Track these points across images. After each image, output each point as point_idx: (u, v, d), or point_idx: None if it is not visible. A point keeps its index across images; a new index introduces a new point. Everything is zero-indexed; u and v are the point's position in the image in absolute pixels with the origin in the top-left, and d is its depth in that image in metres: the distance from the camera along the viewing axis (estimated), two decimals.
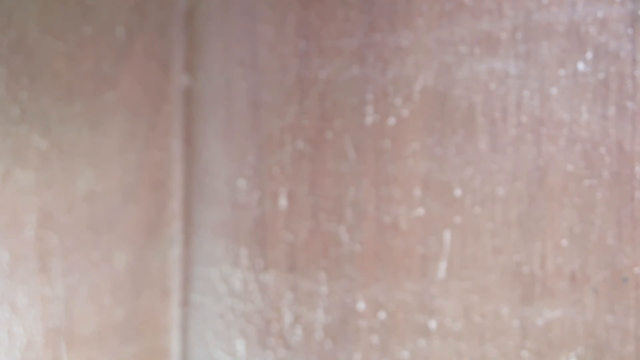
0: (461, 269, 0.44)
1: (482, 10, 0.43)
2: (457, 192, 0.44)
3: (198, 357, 0.55)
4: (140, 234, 0.54)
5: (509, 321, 0.42)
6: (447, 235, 0.44)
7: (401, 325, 0.46)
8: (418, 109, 0.45)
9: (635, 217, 0.39)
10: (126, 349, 0.53)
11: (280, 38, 0.51)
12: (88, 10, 0.50)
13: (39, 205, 0.48)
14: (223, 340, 0.53)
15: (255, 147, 0.52)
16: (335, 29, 0.48)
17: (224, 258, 0.53)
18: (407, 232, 0.46)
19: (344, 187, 0.48)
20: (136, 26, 0.53)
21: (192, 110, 0.55)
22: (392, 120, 0.46)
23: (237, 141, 0.52)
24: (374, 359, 0.47)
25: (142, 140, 0.53)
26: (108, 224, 0.52)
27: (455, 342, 0.44)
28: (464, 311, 0.44)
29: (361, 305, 0.47)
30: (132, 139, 0.53)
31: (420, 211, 0.45)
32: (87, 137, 0.50)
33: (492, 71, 0.43)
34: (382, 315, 0.46)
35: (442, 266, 0.44)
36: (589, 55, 0.40)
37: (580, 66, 0.40)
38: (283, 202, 0.50)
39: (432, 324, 0.45)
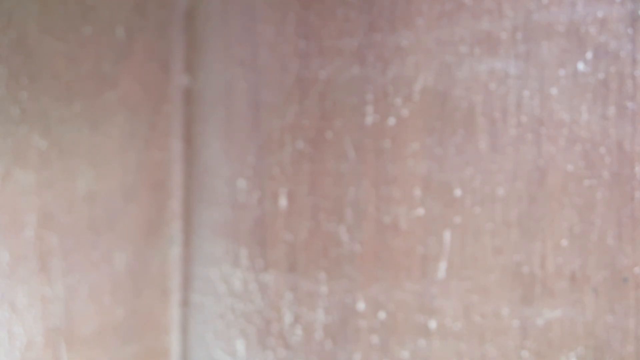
0: (461, 269, 0.44)
1: (482, 10, 0.43)
2: (457, 192, 0.44)
3: (198, 357, 0.55)
4: (140, 234, 0.54)
5: (509, 321, 0.42)
6: (447, 235, 0.44)
7: (401, 325, 0.46)
8: (418, 109, 0.45)
9: (635, 217, 0.39)
10: (126, 349, 0.53)
11: (280, 38, 0.51)
12: (88, 10, 0.50)
13: (39, 205, 0.48)
14: (223, 340, 0.53)
15: (255, 147, 0.52)
16: (335, 29, 0.48)
17: (224, 258, 0.53)
18: (407, 232, 0.46)
19: (344, 187, 0.48)
20: (136, 26, 0.53)
21: (192, 110, 0.55)
22: (392, 120, 0.46)
23: (237, 141, 0.52)
24: (374, 359, 0.47)
25: (142, 140, 0.53)
26: (108, 224, 0.52)
27: (455, 342, 0.44)
28: (464, 311, 0.44)
29: (361, 305, 0.47)
30: (132, 139, 0.53)
31: (420, 211, 0.45)
32: (87, 137, 0.50)
33: (492, 71, 0.43)
34: (382, 315, 0.46)
35: (442, 266, 0.44)
36: (589, 55, 0.40)
37: (580, 66, 0.40)
38: (283, 202, 0.50)
39: (432, 324, 0.45)
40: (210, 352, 0.54)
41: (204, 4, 0.55)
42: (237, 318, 0.53)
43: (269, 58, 0.51)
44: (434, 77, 0.45)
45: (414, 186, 0.45)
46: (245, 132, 0.52)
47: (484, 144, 0.43)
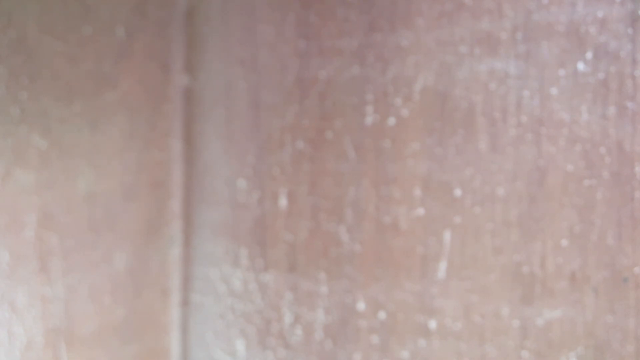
0: (461, 269, 0.44)
1: (482, 10, 0.43)
2: (457, 192, 0.44)
3: (198, 357, 0.55)
4: (140, 234, 0.54)
5: (509, 321, 0.42)
6: (447, 235, 0.44)
7: (401, 325, 0.46)
8: (418, 109, 0.45)
9: (635, 217, 0.39)
10: (126, 349, 0.53)
11: (280, 38, 0.51)
12: (88, 10, 0.50)
13: (39, 205, 0.48)
14: (223, 340, 0.53)
15: (255, 147, 0.52)
16: (335, 29, 0.48)
17: (224, 258, 0.53)
18: (407, 232, 0.46)
19: (344, 187, 0.48)
20: (136, 26, 0.53)
21: (192, 110, 0.55)
22: (392, 120, 0.46)
23: (237, 141, 0.52)
24: (374, 359, 0.47)
25: (142, 140, 0.53)
26: (108, 224, 0.52)
27: (455, 342, 0.44)
28: (464, 311, 0.44)
29: (361, 305, 0.47)
30: (132, 139, 0.53)
31: (420, 211, 0.45)
32: (87, 137, 0.50)
33: (492, 71, 0.43)
34: (382, 315, 0.46)
35: (442, 266, 0.44)
36: (589, 55, 0.40)
37: (580, 66, 0.40)
38: (283, 202, 0.50)
39: (432, 324, 0.45)
40: (210, 352, 0.54)
41: (204, 4, 0.55)
42: (237, 318, 0.53)
43: (269, 58, 0.51)
44: (434, 77, 0.45)
45: (414, 186, 0.45)
46: (245, 132, 0.52)
47: (484, 144, 0.43)
